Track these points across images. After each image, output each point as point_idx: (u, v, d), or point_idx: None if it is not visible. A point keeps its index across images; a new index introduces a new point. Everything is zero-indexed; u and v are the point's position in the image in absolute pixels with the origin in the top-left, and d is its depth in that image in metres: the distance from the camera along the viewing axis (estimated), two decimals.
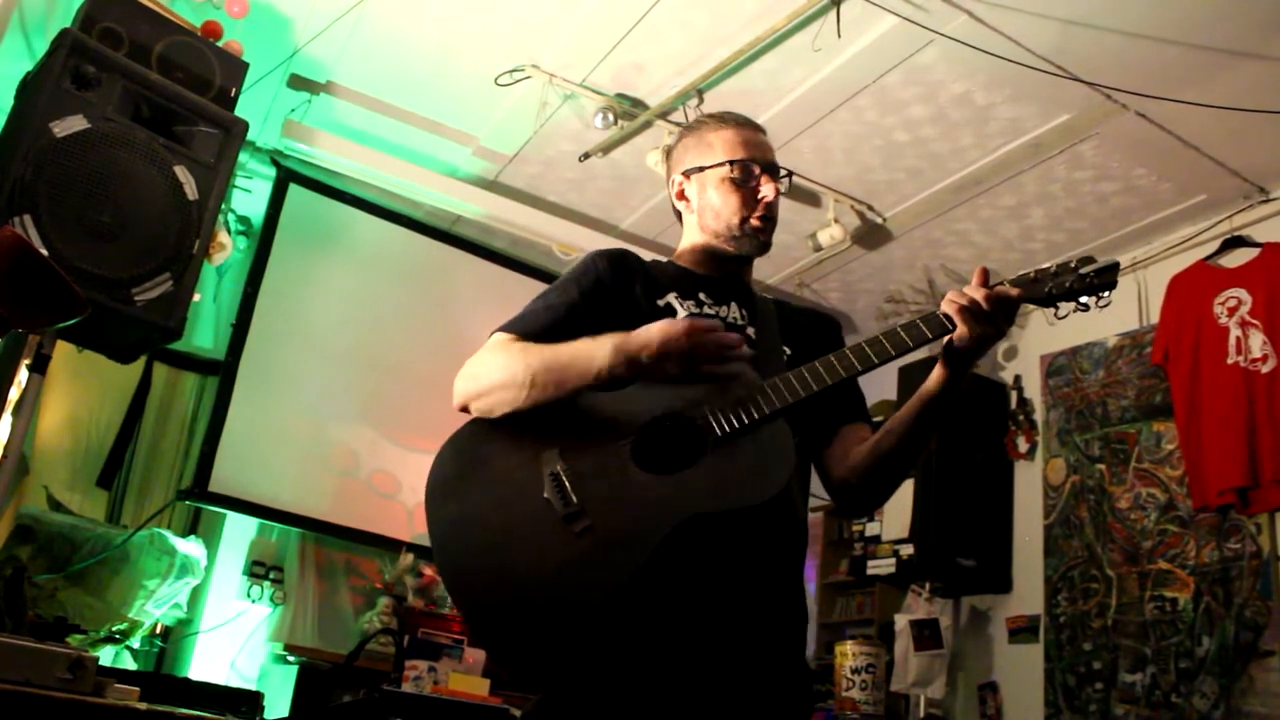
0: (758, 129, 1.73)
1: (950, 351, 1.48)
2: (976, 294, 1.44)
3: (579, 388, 1.44)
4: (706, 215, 1.69)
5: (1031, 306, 1.49)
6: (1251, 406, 3.64)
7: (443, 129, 4.30)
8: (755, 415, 1.41)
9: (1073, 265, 1.45)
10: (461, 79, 3.94)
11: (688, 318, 1.45)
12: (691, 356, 1.40)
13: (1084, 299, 1.45)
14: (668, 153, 1.81)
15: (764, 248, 1.69)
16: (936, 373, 1.51)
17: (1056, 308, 1.46)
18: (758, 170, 1.67)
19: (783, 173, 1.70)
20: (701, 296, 1.65)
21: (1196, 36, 3.17)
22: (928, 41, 3.34)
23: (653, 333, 1.41)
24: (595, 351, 1.43)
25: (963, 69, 3.46)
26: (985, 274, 1.46)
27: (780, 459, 1.40)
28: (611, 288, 1.61)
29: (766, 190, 1.67)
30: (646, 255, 1.76)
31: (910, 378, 4.35)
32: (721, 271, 1.71)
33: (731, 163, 1.67)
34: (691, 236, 1.74)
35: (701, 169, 1.70)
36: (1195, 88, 3.36)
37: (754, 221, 1.66)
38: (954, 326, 1.44)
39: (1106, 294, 1.43)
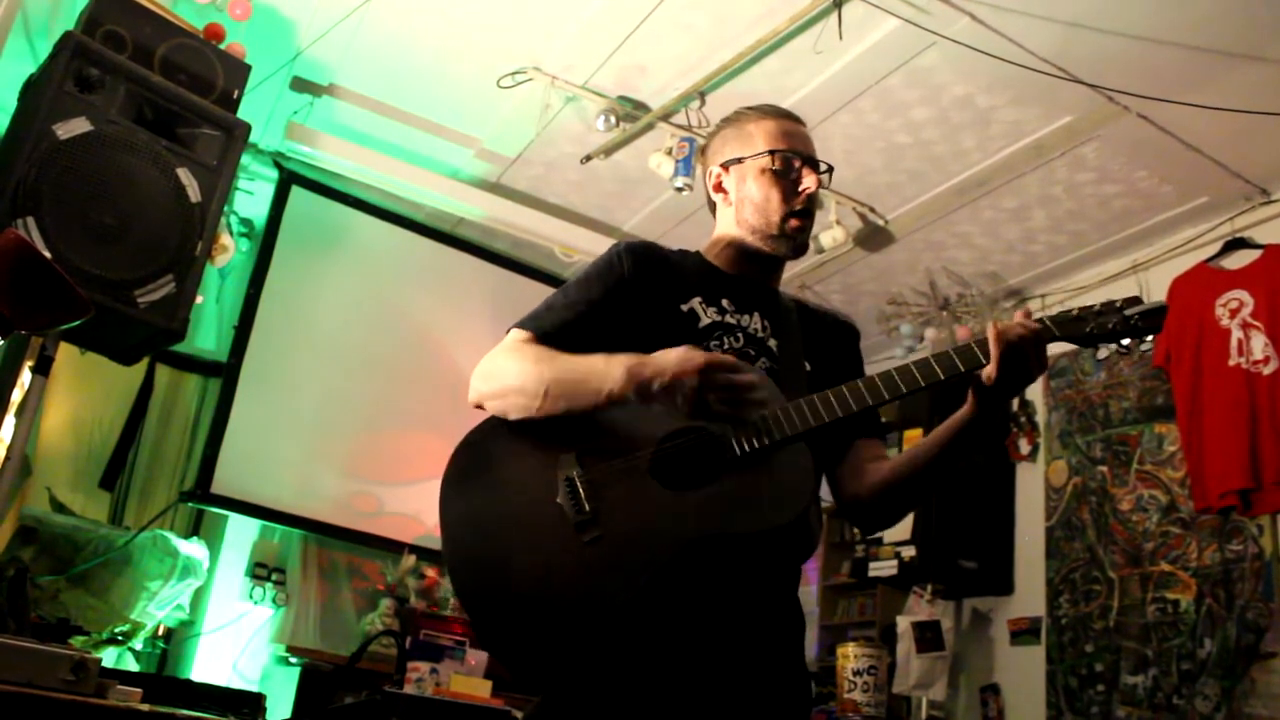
0: (798, 121, 1.70)
1: (981, 388, 1.41)
2: (1022, 328, 1.36)
3: (589, 406, 1.42)
4: (745, 208, 1.65)
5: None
6: (1253, 408, 3.64)
7: (445, 131, 4.30)
8: (776, 437, 1.39)
9: (1117, 305, 1.40)
10: (464, 81, 3.94)
11: (706, 351, 1.41)
12: (703, 393, 1.36)
13: (1125, 341, 1.40)
14: (703, 149, 1.77)
15: (799, 250, 1.64)
16: (965, 408, 1.45)
17: (1096, 348, 1.40)
18: (799, 163, 1.64)
19: (823, 167, 1.66)
20: (725, 303, 1.61)
21: (1198, 39, 3.17)
22: (930, 44, 3.34)
23: (667, 362, 1.38)
24: (607, 374, 1.41)
25: (965, 71, 3.46)
26: (1029, 313, 1.39)
27: (799, 486, 1.38)
28: (634, 286, 1.57)
29: (808, 182, 1.62)
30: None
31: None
32: (750, 273, 1.67)
33: (773, 153, 1.63)
34: (726, 229, 1.69)
35: (741, 160, 1.67)
36: (1197, 90, 3.36)
37: (793, 221, 1.62)
38: (987, 360, 1.37)
39: (1150, 337, 1.38)
